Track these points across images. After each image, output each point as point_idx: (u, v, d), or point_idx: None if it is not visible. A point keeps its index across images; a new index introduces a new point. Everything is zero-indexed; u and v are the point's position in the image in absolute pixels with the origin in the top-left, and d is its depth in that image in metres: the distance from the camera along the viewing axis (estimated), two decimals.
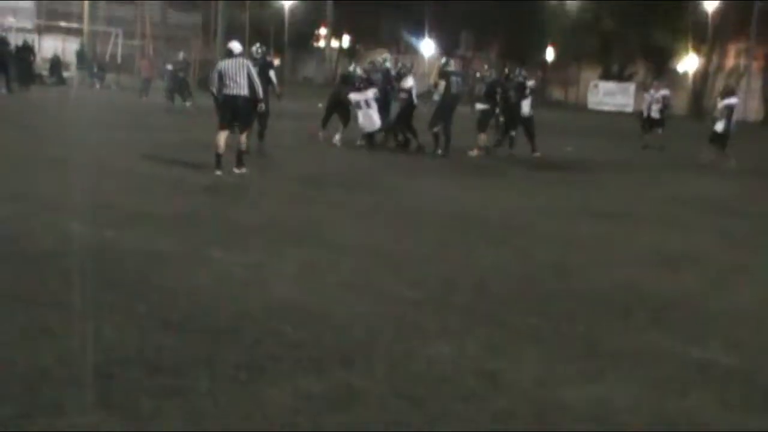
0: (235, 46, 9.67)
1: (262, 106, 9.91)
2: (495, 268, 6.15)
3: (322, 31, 53.36)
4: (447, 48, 53.27)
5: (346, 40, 56.50)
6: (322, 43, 54.01)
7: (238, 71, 9.40)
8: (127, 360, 3.73)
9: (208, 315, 4.49)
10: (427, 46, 52.94)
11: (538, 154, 14.27)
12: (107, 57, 36.10)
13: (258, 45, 13.06)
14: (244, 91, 9.47)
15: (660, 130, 20.21)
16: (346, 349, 4.05)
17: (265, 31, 47.74)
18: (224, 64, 9.53)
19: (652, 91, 21.69)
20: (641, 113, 21.59)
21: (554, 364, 4.07)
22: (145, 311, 4.45)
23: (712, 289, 6.04)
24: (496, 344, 4.32)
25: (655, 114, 20.69)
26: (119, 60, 35.84)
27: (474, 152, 13.78)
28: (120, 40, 37.45)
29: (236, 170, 9.54)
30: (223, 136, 9.46)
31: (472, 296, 5.27)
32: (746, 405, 3.72)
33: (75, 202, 7.58)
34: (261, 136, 11.96)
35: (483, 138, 13.86)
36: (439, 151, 12.85)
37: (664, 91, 21.31)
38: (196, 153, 10.85)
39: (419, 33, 51.77)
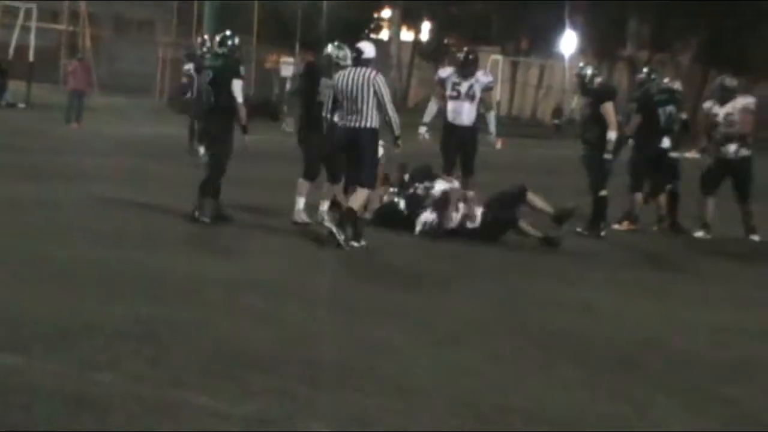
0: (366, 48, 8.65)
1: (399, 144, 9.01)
2: None
3: (386, 13, 42.99)
4: (605, 45, 38.11)
5: (424, 31, 44.16)
6: (385, 35, 43.39)
7: (361, 89, 8.61)
8: None
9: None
10: (569, 44, 37.49)
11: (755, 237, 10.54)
12: (10, 53, 29.38)
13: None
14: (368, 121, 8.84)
15: None
16: None
17: (284, 17, 36.99)
18: (341, 78, 8.84)
19: None
20: None
21: None
22: None
23: None
24: None
25: None
26: (31, 58, 28.67)
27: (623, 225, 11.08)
28: (33, 24, 29.23)
29: (355, 243, 8.35)
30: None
31: None
32: None
33: None
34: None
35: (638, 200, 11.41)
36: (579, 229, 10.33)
37: None
38: None
39: (556, 22, 36.89)
